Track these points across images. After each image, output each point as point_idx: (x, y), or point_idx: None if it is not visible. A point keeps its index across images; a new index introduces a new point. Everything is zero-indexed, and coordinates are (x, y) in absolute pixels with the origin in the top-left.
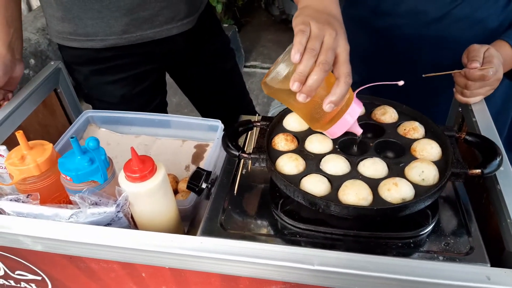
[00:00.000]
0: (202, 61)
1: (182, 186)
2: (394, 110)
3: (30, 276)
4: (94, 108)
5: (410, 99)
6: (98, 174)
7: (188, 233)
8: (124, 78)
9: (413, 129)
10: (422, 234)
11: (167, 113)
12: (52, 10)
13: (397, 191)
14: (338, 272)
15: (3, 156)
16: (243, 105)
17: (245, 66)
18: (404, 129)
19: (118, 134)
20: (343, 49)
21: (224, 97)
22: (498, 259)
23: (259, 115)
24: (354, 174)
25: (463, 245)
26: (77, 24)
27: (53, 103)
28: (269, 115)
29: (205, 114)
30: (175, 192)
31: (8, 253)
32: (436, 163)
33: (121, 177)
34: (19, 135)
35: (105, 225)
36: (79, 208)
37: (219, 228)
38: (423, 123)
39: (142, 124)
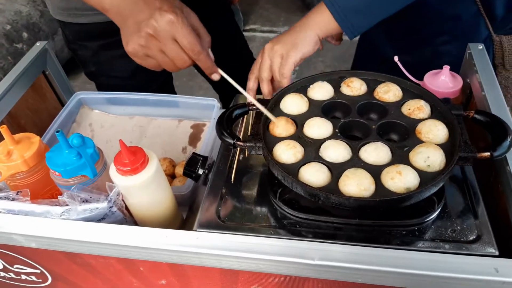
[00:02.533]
0: (207, 16)
1: (179, 170)
2: (398, 88)
3: (29, 270)
4: (100, 85)
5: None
6: (88, 169)
7: (187, 219)
8: None
9: (418, 108)
10: (427, 221)
11: (173, 87)
12: None
13: (401, 180)
14: (339, 266)
15: None
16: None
17: (244, 30)
18: (409, 109)
19: (112, 115)
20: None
21: (232, 64)
22: (506, 244)
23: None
24: (355, 161)
25: (470, 231)
26: None
27: (42, 86)
28: None
29: (220, 91)
30: (172, 176)
31: (4, 250)
32: (442, 146)
33: (112, 170)
34: (3, 130)
35: (100, 220)
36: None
37: (216, 220)
38: (429, 101)
39: (137, 104)
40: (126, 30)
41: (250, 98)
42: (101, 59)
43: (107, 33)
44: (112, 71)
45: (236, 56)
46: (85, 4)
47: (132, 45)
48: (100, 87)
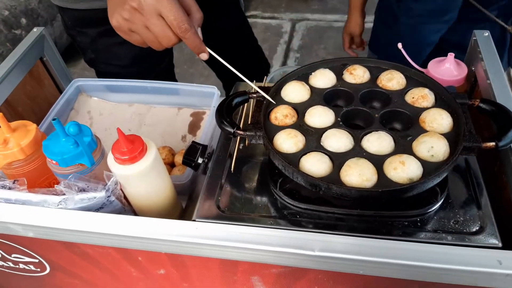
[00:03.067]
0: (211, 17)
1: (179, 159)
2: (402, 75)
3: (27, 259)
4: (100, 72)
5: None
6: (85, 157)
7: (186, 208)
8: None
9: (422, 97)
10: (430, 212)
11: (174, 75)
12: None
13: (403, 171)
14: (339, 257)
15: None
16: (260, 61)
17: None
18: (413, 97)
19: (110, 102)
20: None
21: (239, 56)
22: (510, 236)
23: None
24: (357, 150)
25: (473, 222)
26: None
27: (40, 73)
28: (268, 80)
29: (224, 78)
30: (172, 165)
31: (2, 239)
32: (446, 135)
33: (110, 159)
34: None
35: (97, 209)
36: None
37: (216, 210)
38: (433, 89)
39: (135, 91)
40: (111, 2)
41: (247, 81)
42: (100, 46)
43: (106, 19)
44: (111, 59)
45: (243, 46)
46: None
47: (116, 18)
48: (100, 74)
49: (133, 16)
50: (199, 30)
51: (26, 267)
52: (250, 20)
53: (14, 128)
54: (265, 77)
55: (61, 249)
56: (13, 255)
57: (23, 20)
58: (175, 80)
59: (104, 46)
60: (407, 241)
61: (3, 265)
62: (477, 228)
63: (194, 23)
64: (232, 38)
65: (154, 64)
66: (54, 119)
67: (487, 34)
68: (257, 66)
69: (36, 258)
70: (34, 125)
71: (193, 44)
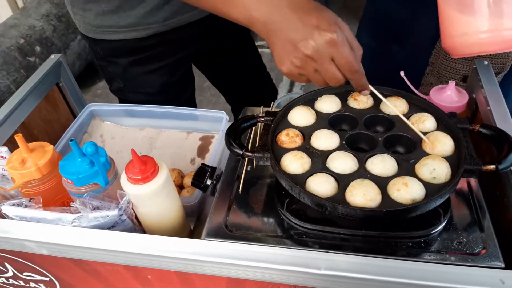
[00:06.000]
0: (225, 45)
1: (188, 181)
2: (405, 101)
3: (38, 277)
4: (126, 101)
5: None
6: (100, 177)
7: (194, 229)
8: (163, 67)
9: (424, 121)
10: (433, 233)
11: (196, 104)
12: (90, 6)
13: (406, 192)
14: (345, 276)
15: (5, 158)
16: (269, 87)
17: None
18: (415, 122)
19: (122, 127)
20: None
21: (249, 82)
22: None
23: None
24: (362, 172)
25: (476, 243)
26: (120, 16)
27: (55, 97)
28: (275, 105)
29: (233, 103)
30: (181, 187)
31: (15, 256)
32: (448, 158)
33: (123, 179)
34: (18, 138)
35: (109, 228)
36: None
37: (224, 230)
38: (435, 115)
39: (147, 116)
40: (279, 48)
41: (392, 107)
42: (130, 75)
43: (138, 49)
44: (140, 87)
45: (253, 73)
46: (120, 22)
47: (288, 65)
48: (125, 103)
49: (306, 64)
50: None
51: (37, 286)
52: (258, 50)
53: (32, 149)
54: (272, 102)
55: (72, 266)
56: (24, 273)
57: (38, 48)
58: (195, 107)
59: (135, 74)
60: (412, 261)
61: (14, 283)
62: (480, 249)
63: (359, 61)
64: (244, 65)
65: (179, 93)
66: (71, 140)
67: (486, 63)
68: (266, 92)
69: (47, 277)
70: (51, 146)
71: (359, 84)
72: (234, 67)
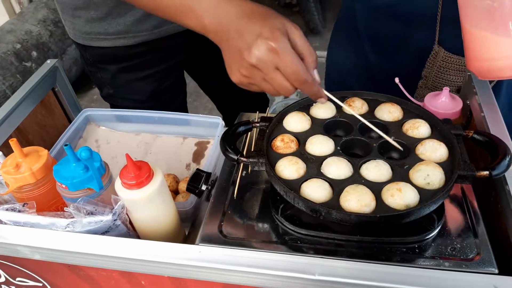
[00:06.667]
0: (214, 53)
1: (183, 186)
2: (399, 108)
3: (31, 283)
4: (116, 107)
5: None
6: (94, 182)
7: (189, 235)
8: (152, 74)
9: (418, 128)
10: (427, 238)
11: (187, 109)
12: (79, 12)
13: (400, 197)
14: (340, 282)
15: None
16: (259, 96)
17: None
18: (409, 128)
19: (118, 132)
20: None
21: (237, 91)
22: (506, 263)
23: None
24: (356, 178)
25: (470, 249)
26: (109, 24)
27: (51, 102)
28: (270, 111)
29: (224, 110)
30: (176, 192)
31: (7, 261)
32: (442, 164)
33: (118, 184)
34: (13, 143)
35: (103, 233)
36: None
37: (218, 235)
38: (429, 121)
39: (142, 121)
40: (228, 57)
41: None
42: (119, 81)
43: (127, 56)
44: (129, 94)
45: None
46: (108, 29)
47: (237, 75)
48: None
49: (252, 73)
50: (315, 72)
51: None
52: None
53: (26, 153)
54: (268, 108)
55: (66, 271)
56: (17, 279)
57: (34, 53)
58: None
59: (124, 81)
60: (406, 267)
61: None
62: (474, 255)
63: (310, 69)
64: None
65: (169, 100)
66: (66, 145)
67: None
68: (256, 99)
69: (41, 282)
70: (46, 151)
71: (310, 93)
72: (223, 75)
